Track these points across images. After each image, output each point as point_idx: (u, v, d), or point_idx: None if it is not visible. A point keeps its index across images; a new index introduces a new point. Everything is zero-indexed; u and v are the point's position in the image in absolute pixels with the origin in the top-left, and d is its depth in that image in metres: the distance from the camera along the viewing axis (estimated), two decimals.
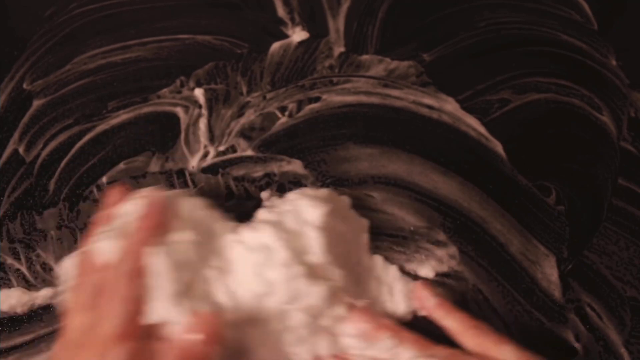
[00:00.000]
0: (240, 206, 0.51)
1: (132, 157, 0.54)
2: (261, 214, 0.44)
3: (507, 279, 0.48)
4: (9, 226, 0.51)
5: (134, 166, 0.53)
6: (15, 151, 0.54)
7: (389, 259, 0.47)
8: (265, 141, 0.54)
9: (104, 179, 0.53)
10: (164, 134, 0.55)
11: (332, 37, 0.60)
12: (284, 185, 0.52)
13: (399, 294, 0.44)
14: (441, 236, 0.49)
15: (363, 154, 0.53)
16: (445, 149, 0.53)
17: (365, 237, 0.47)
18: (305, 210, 0.43)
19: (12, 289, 0.48)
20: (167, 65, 0.58)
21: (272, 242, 0.40)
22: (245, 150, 0.54)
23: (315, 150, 0.54)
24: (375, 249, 0.48)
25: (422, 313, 0.43)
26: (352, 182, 0.52)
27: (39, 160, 0.54)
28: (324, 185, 0.52)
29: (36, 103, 0.57)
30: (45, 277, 0.49)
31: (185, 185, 0.53)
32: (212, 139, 0.55)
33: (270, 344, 0.39)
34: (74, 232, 0.51)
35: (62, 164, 0.54)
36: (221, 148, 0.54)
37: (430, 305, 0.42)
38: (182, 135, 0.55)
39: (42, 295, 0.48)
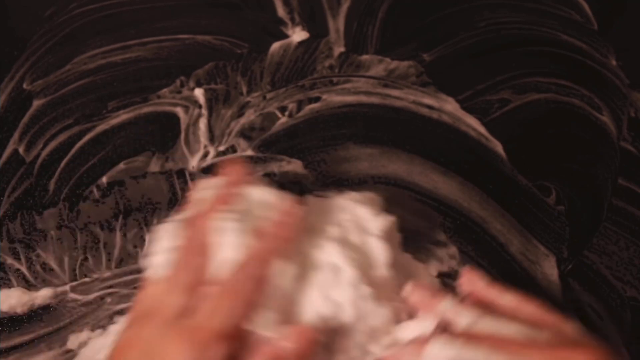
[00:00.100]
0: None
1: (132, 157, 0.54)
2: (322, 217, 0.41)
3: (507, 279, 0.48)
4: (9, 226, 0.51)
5: (134, 166, 0.53)
6: (15, 151, 0.54)
7: None
8: (265, 141, 0.54)
9: (104, 179, 0.53)
10: (164, 134, 0.55)
11: (332, 37, 0.60)
12: (284, 185, 0.52)
13: None
14: (441, 236, 0.49)
15: (363, 154, 0.53)
16: (445, 149, 0.53)
17: (397, 236, 0.46)
18: (367, 220, 0.41)
19: (12, 289, 0.48)
20: (167, 65, 0.58)
21: (339, 260, 0.38)
22: (245, 150, 0.54)
23: (315, 150, 0.54)
24: None
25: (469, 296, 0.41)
26: (352, 182, 0.52)
27: (39, 160, 0.54)
28: (324, 185, 0.52)
29: (36, 103, 0.57)
30: (45, 277, 0.49)
31: (185, 185, 0.53)
32: (212, 139, 0.55)
33: None
34: (74, 232, 0.51)
35: (62, 164, 0.54)
36: (221, 148, 0.54)
37: (483, 286, 0.39)
38: (182, 135, 0.55)
39: (42, 295, 0.48)
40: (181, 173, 0.53)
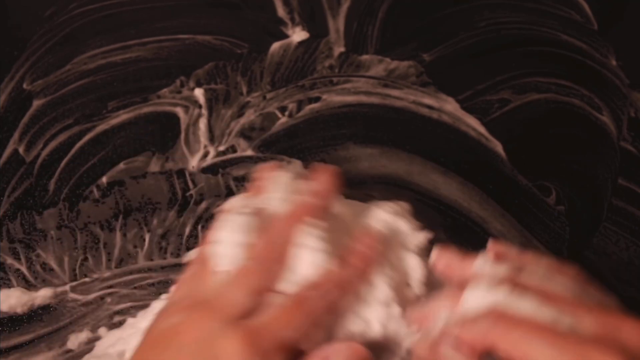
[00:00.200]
0: None
1: (132, 157, 0.54)
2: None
3: None
4: (9, 226, 0.51)
5: (134, 166, 0.53)
6: (15, 151, 0.54)
7: None
8: (265, 141, 0.54)
9: (104, 179, 0.53)
10: (164, 134, 0.55)
11: (332, 37, 0.60)
12: None
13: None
14: (441, 236, 0.49)
15: (363, 154, 0.53)
16: (445, 149, 0.53)
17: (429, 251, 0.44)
18: (406, 235, 0.39)
19: (12, 289, 0.48)
20: (167, 65, 0.58)
21: (375, 277, 0.36)
22: (245, 150, 0.54)
23: (315, 150, 0.54)
24: None
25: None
26: (352, 182, 0.52)
27: (39, 160, 0.54)
28: None
29: (36, 103, 0.57)
30: (45, 277, 0.49)
31: (185, 185, 0.53)
32: (212, 139, 0.55)
33: None
34: (74, 232, 0.50)
35: (62, 164, 0.54)
36: (221, 148, 0.54)
37: (517, 252, 0.35)
38: (182, 135, 0.55)
39: (42, 295, 0.48)
40: (181, 173, 0.53)
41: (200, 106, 0.56)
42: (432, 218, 0.50)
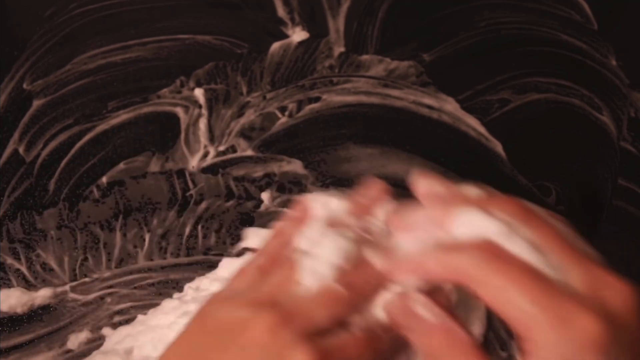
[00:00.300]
0: (240, 206, 0.52)
1: (132, 157, 0.54)
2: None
3: None
4: (9, 226, 0.51)
5: (134, 166, 0.53)
6: (15, 151, 0.54)
7: None
8: (265, 141, 0.54)
9: (104, 179, 0.53)
10: (164, 134, 0.55)
11: (332, 37, 0.60)
12: (284, 185, 0.52)
13: None
14: None
15: (363, 154, 0.53)
16: (445, 149, 0.53)
17: None
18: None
19: (12, 289, 0.48)
20: (167, 65, 0.58)
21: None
22: (245, 150, 0.54)
23: (315, 150, 0.54)
24: None
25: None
26: (352, 182, 0.52)
27: (39, 160, 0.54)
28: (323, 185, 0.52)
29: (36, 103, 0.57)
30: (45, 277, 0.49)
31: (185, 185, 0.53)
32: (212, 139, 0.55)
33: None
34: (74, 232, 0.51)
35: (62, 164, 0.54)
36: (221, 148, 0.54)
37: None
38: (182, 135, 0.55)
39: (42, 295, 0.48)
40: (181, 173, 0.53)
41: (200, 106, 0.56)
42: None
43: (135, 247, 0.50)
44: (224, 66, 0.59)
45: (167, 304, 0.44)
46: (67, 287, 0.48)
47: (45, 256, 0.50)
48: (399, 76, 0.58)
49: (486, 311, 0.36)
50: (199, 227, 0.51)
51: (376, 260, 0.32)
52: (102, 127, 0.55)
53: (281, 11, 0.62)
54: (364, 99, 0.56)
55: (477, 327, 0.36)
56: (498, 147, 0.54)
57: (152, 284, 0.48)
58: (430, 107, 0.56)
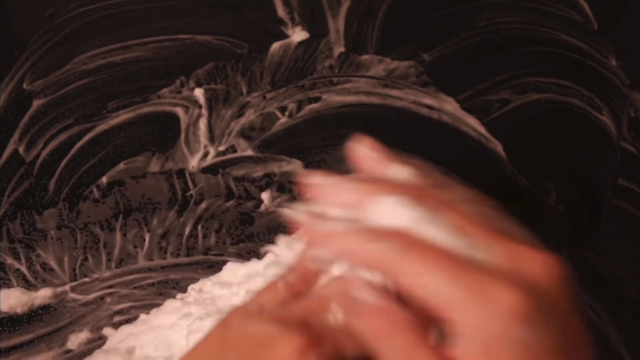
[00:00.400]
0: (240, 206, 0.52)
1: (132, 157, 0.54)
2: None
3: None
4: (9, 226, 0.51)
5: (134, 166, 0.53)
6: (15, 151, 0.54)
7: None
8: (265, 141, 0.54)
9: (104, 179, 0.53)
10: (164, 134, 0.55)
11: (332, 37, 0.60)
12: (284, 185, 0.52)
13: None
14: None
15: None
16: (445, 149, 0.53)
17: None
18: None
19: (12, 289, 0.48)
20: (167, 65, 0.58)
21: None
22: (245, 150, 0.54)
23: (315, 150, 0.54)
24: None
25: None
26: None
27: (39, 160, 0.54)
28: None
29: (36, 103, 0.57)
30: (45, 277, 0.49)
31: (185, 185, 0.53)
32: (212, 139, 0.55)
33: None
34: (74, 232, 0.51)
35: (62, 164, 0.54)
36: (221, 148, 0.54)
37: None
38: (182, 135, 0.55)
39: (42, 295, 0.48)
40: (181, 173, 0.53)
41: (200, 106, 0.56)
42: None
43: (135, 247, 0.50)
44: (224, 66, 0.59)
45: (170, 304, 0.44)
46: (67, 287, 0.48)
47: (45, 256, 0.50)
48: (399, 76, 0.58)
49: None
50: (199, 227, 0.51)
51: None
52: (102, 127, 0.55)
53: (281, 11, 0.62)
54: (364, 99, 0.56)
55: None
56: (498, 147, 0.54)
57: (152, 284, 0.48)
58: (430, 107, 0.56)
